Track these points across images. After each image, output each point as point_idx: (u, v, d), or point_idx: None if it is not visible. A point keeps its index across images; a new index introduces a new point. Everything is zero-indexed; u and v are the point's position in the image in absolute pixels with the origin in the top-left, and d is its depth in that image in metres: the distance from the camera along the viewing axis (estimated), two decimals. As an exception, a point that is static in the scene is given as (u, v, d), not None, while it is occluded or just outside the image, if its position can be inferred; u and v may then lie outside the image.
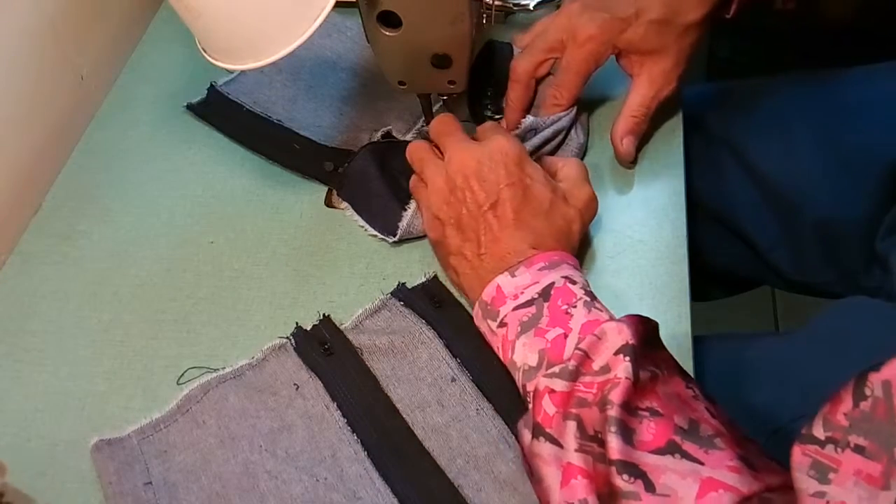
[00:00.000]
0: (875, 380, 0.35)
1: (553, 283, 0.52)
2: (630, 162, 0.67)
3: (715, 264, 0.87)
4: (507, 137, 0.58)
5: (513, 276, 0.53)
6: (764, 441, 0.61)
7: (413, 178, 0.63)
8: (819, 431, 0.36)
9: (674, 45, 0.64)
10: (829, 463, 0.35)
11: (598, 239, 0.63)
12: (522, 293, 0.52)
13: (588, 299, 0.51)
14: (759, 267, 0.83)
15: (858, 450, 0.34)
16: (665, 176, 0.67)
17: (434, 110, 0.69)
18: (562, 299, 0.51)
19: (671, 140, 0.69)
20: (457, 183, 0.57)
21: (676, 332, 0.58)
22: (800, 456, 0.36)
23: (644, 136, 0.69)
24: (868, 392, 0.35)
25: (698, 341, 0.58)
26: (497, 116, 0.70)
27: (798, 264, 0.79)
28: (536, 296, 0.52)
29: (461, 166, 0.57)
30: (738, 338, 0.73)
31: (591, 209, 0.59)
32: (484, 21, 0.68)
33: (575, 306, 0.51)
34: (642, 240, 0.63)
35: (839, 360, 0.62)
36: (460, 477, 0.52)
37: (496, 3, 0.77)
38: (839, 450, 0.35)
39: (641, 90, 0.65)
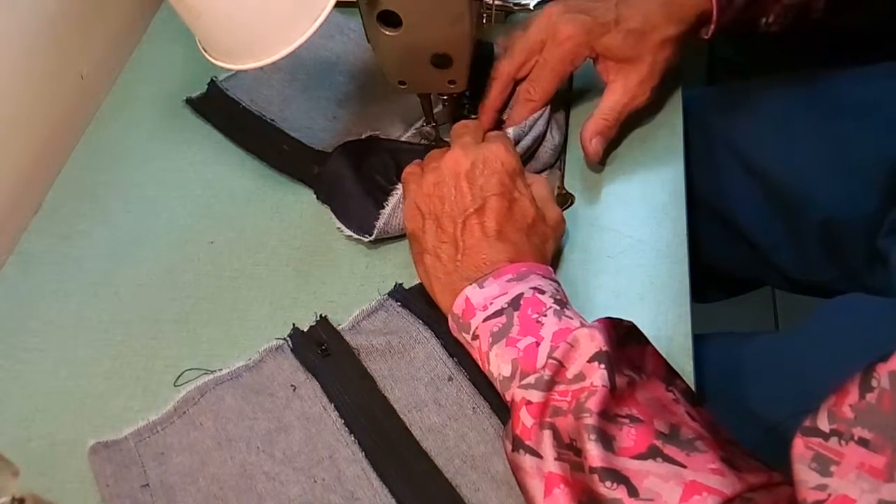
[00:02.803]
0: (882, 370, 0.34)
1: (522, 294, 0.52)
2: (598, 163, 0.67)
3: (715, 265, 0.87)
4: (508, 147, 0.58)
5: (481, 287, 0.53)
6: (760, 438, 0.62)
7: (410, 166, 0.62)
8: (824, 424, 0.36)
9: (649, 56, 0.65)
10: (832, 456, 0.35)
11: (598, 239, 0.63)
12: (492, 304, 0.52)
13: (558, 308, 0.51)
14: (760, 266, 0.83)
15: (863, 443, 0.34)
16: (665, 175, 0.67)
17: (434, 112, 0.69)
18: (531, 309, 0.51)
19: (672, 140, 0.69)
20: (445, 178, 0.57)
21: (676, 332, 0.58)
22: (802, 448, 0.36)
23: (644, 136, 0.69)
24: (875, 383, 0.34)
25: (697, 339, 0.58)
26: (473, 116, 0.69)
27: (801, 263, 0.79)
28: (506, 305, 0.51)
29: (454, 164, 0.57)
30: (736, 336, 0.73)
31: (560, 229, 0.60)
32: (484, 21, 0.68)
33: (545, 315, 0.50)
34: (642, 239, 0.63)
35: (836, 357, 0.62)
36: (458, 476, 0.52)
37: (496, 3, 0.76)
38: (843, 442, 0.35)
39: (615, 95, 0.66)
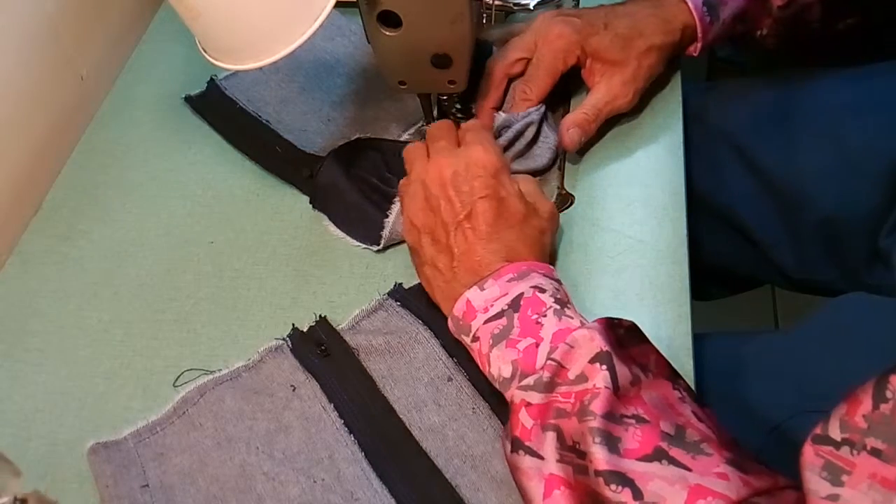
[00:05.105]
0: None
1: (522, 294, 0.52)
2: (574, 152, 0.68)
3: (715, 262, 0.87)
4: (486, 147, 0.58)
5: (482, 289, 0.53)
6: (762, 438, 0.61)
7: (404, 179, 0.62)
8: (835, 432, 0.36)
9: (634, 61, 0.67)
10: (843, 465, 0.35)
11: (598, 239, 0.63)
12: (492, 306, 0.52)
13: (558, 307, 0.51)
14: (760, 264, 0.83)
15: (875, 453, 0.34)
16: (665, 175, 0.67)
17: (434, 112, 0.69)
18: (531, 309, 0.51)
19: (671, 139, 0.69)
20: (432, 191, 0.57)
21: (676, 332, 0.58)
22: (812, 456, 0.36)
23: (644, 136, 0.69)
24: (889, 394, 0.34)
25: (698, 339, 0.58)
26: (459, 115, 0.70)
27: (801, 262, 0.79)
28: (506, 307, 0.51)
29: (437, 175, 0.57)
30: (737, 335, 0.73)
31: (555, 221, 0.60)
32: (484, 21, 0.68)
33: (545, 315, 0.50)
34: (642, 239, 0.63)
35: (838, 357, 0.62)
36: (457, 477, 0.52)
37: (496, 3, 0.77)
38: (855, 452, 0.35)
39: (598, 94, 0.68)
